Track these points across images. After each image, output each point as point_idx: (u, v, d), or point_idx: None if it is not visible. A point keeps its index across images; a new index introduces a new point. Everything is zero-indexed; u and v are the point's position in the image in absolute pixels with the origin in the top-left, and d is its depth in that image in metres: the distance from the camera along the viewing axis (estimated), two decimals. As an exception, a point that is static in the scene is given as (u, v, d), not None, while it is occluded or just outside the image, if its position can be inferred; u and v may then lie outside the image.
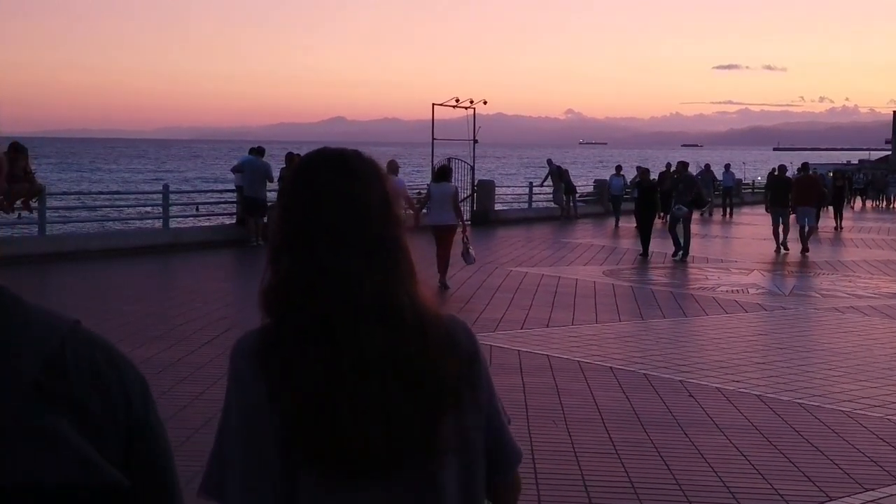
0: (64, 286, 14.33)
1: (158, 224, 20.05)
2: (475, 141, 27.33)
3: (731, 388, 8.36)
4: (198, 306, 11.86)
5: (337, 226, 1.70)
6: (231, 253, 18.47)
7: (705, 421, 7.29)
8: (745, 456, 6.44)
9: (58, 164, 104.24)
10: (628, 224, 26.49)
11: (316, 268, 1.68)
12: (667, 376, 8.75)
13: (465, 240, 14.05)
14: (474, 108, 27.49)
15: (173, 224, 20.27)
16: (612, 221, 27.93)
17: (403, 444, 1.65)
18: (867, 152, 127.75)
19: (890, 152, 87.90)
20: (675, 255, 18.89)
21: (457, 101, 27.07)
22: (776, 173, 27.14)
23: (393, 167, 15.11)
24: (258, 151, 20.19)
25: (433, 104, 26.68)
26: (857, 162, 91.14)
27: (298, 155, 20.05)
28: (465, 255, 14.10)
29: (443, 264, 14.06)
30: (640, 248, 19.61)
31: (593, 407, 7.61)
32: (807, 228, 21.04)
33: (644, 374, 8.83)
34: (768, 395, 8.16)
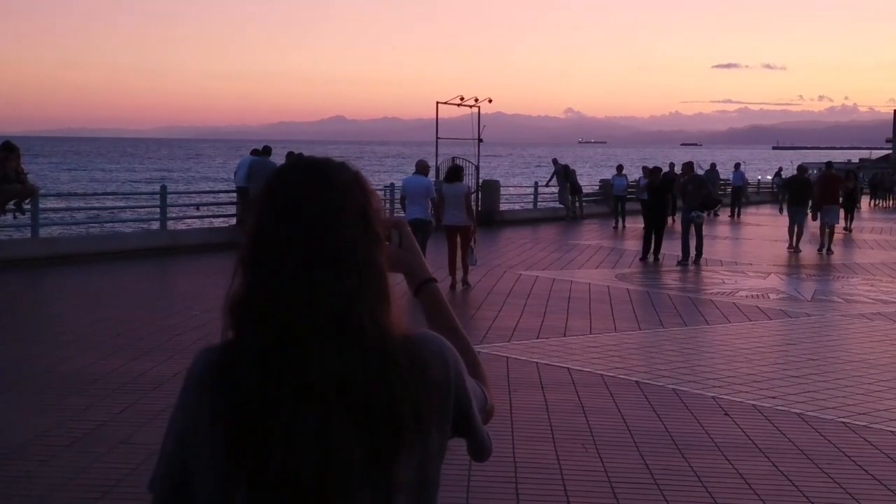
0: (57, 291, 13.76)
1: (156, 226, 19.43)
2: (480, 140, 26.78)
3: (769, 405, 7.80)
4: (196, 315, 11.29)
5: (306, 235, 1.57)
6: (231, 256, 17.75)
7: (746, 444, 6.73)
8: (795, 485, 5.88)
9: (57, 163, 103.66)
10: (633, 225, 26.01)
11: (278, 278, 1.56)
12: (697, 392, 8.19)
13: (472, 240, 14.17)
14: (479, 107, 26.94)
15: (171, 226, 19.67)
16: (617, 222, 27.25)
17: (342, 479, 1.52)
18: (868, 151, 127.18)
19: (890, 151, 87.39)
20: (682, 261, 18.20)
21: (461, 99, 26.51)
22: (794, 173, 26.59)
23: (422, 167, 14.84)
24: (265, 151, 19.58)
25: (437, 102, 26.12)
26: (857, 161, 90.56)
27: (301, 155, 19.47)
28: (469, 254, 14.15)
29: (457, 265, 14.09)
30: (650, 251, 18.95)
31: (623, 428, 7.05)
32: (828, 227, 20.79)
33: (673, 388, 8.27)
34: (809, 413, 7.60)
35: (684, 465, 6.19)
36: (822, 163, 55.73)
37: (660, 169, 21.82)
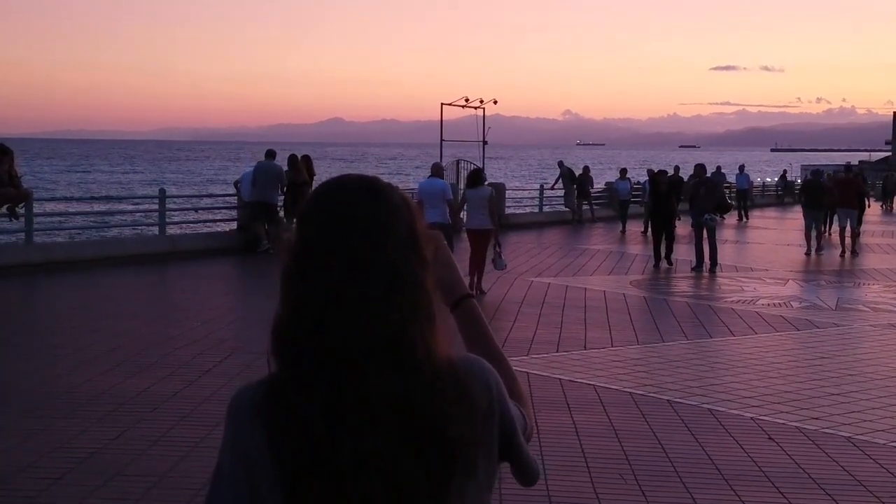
0: (51, 300, 13.21)
1: (154, 230, 18.86)
2: (485, 142, 26.27)
3: (813, 427, 7.26)
4: (197, 325, 10.74)
5: (355, 252, 1.51)
6: (232, 261, 17.38)
7: (797, 473, 6.18)
8: (860, 523, 5.35)
9: (56, 165, 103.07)
10: (634, 228, 25.59)
11: (329, 297, 1.49)
12: (735, 412, 7.64)
13: (496, 245, 13.91)
14: (483, 109, 26.44)
15: (171, 230, 19.09)
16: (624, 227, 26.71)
17: (409, 502, 1.47)
18: (867, 153, 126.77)
19: (890, 153, 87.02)
20: (696, 267, 17.60)
21: (466, 100, 26.01)
22: (798, 175, 26.13)
23: (437, 169, 14.62)
24: (269, 155, 19.05)
25: (442, 104, 25.62)
26: (857, 163, 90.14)
27: (306, 157, 19.03)
28: (497, 259, 13.90)
29: (480, 269, 13.75)
30: (663, 257, 18.38)
31: (661, 454, 6.50)
32: (848, 230, 20.60)
33: (708, 408, 7.73)
34: (858, 436, 7.06)
35: (735, 500, 5.65)
36: (823, 165, 54.98)
37: (665, 171, 21.22)
